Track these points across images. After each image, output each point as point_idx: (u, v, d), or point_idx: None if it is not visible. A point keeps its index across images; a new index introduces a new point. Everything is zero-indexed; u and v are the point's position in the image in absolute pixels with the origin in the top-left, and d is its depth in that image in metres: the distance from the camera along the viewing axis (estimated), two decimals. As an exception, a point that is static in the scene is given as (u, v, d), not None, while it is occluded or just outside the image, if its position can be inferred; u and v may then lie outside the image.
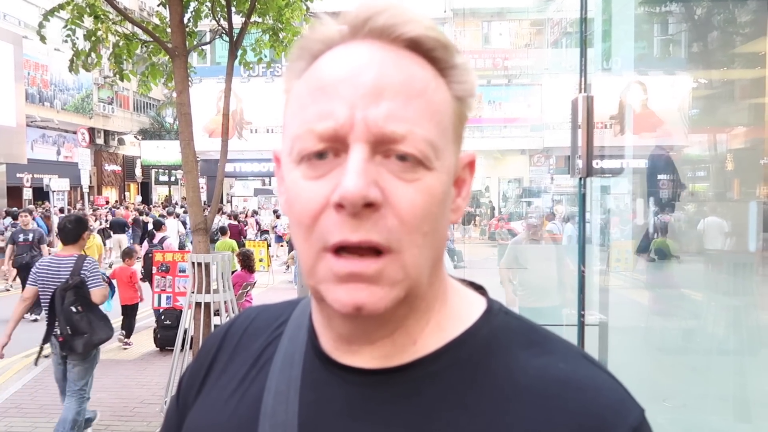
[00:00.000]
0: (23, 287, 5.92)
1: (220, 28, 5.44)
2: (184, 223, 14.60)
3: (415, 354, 0.57)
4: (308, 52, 0.57)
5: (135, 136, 30.18)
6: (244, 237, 14.31)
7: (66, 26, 5.09)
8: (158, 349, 7.17)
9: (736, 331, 2.57)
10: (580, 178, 2.01)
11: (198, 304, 4.74)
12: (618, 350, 2.76)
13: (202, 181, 20.64)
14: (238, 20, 5.34)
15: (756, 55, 5.12)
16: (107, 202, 24.49)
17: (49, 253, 8.64)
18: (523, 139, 22.60)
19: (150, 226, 13.18)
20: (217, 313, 4.87)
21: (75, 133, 23.35)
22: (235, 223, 14.67)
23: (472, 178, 0.61)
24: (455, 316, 0.60)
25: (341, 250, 0.51)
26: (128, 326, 7.39)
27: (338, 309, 0.52)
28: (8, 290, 11.09)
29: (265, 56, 6.23)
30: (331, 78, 0.53)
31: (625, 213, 5.51)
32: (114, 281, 6.67)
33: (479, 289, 0.65)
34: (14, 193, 20.64)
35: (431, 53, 0.55)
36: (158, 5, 5.52)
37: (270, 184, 26.58)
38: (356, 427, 0.55)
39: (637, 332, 3.27)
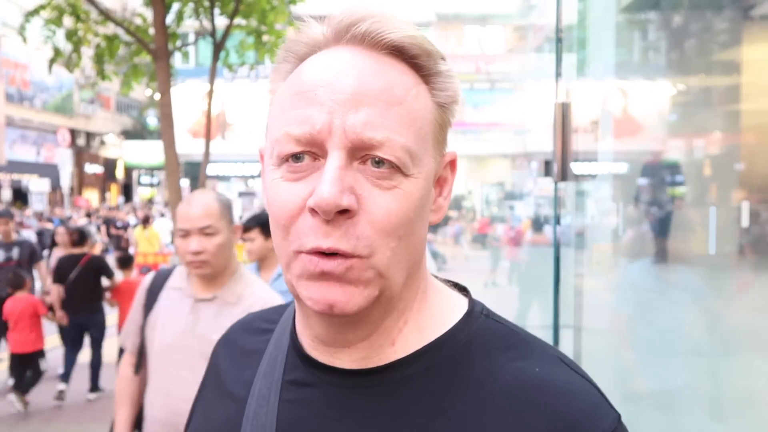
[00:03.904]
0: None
1: (203, 29, 5.43)
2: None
3: (393, 355, 0.57)
4: (294, 54, 0.57)
5: (117, 137, 29.88)
6: None
7: (45, 26, 5.05)
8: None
9: (711, 333, 2.62)
10: (555, 182, 2.05)
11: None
12: (595, 351, 2.80)
13: (186, 183, 20.49)
14: (221, 22, 5.33)
15: (732, 63, 5.21)
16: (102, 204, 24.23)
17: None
18: (505, 143, 22.74)
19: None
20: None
21: (55, 133, 23.08)
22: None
23: (454, 176, 0.62)
24: (435, 317, 0.60)
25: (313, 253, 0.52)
26: None
27: (311, 306, 0.53)
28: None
29: (249, 58, 6.22)
30: (311, 83, 0.53)
31: (606, 216, 5.58)
32: None
33: (463, 290, 0.65)
34: (-8, 194, 20.35)
35: (414, 60, 0.55)
36: (141, 5, 5.49)
37: (253, 186, 26.45)
38: (334, 428, 0.56)
39: (615, 334, 3.32)
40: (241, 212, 20.37)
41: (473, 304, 0.62)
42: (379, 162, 0.52)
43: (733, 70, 4.92)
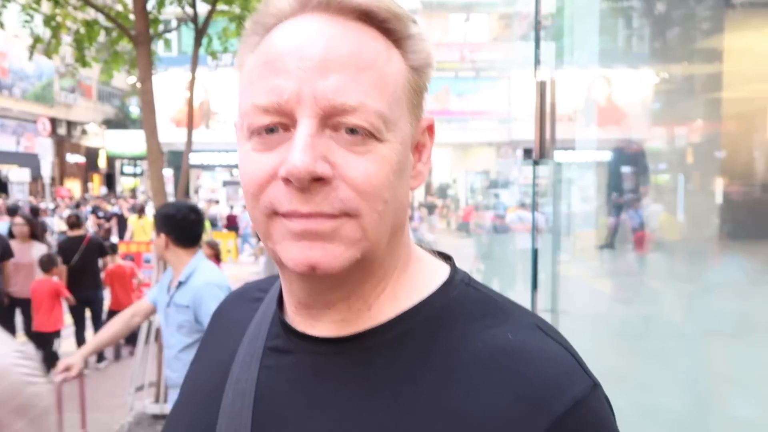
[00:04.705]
0: None
1: (185, 15, 5.37)
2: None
3: (369, 322, 0.57)
4: (261, 26, 0.56)
5: (99, 126, 29.50)
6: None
7: (23, 11, 4.96)
8: (123, 340, 7.09)
9: (691, 316, 2.67)
10: (534, 162, 2.06)
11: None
12: (579, 336, 2.83)
13: (169, 172, 20.32)
14: (203, 8, 5.27)
15: (714, 51, 5.25)
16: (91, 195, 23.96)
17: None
18: (490, 131, 22.77)
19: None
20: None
21: (35, 122, 22.74)
22: (234, 213, 15.77)
23: (432, 141, 0.61)
24: (413, 285, 0.59)
25: (292, 215, 0.51)
26: None
27: (293, 268, 0.52)
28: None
29: (232, 46, 6.15)
30: (278, 52, 0.52)
31: (590, 204, 5.64)
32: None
33: (448, 259, 0.64)
34: (-29, 184, 20.02)
35: (384, 24, 0.54)
36: (121, -10, 5.41)
37: (238, 176, 26.30)
38: (306, 394, 0.56)
39: (598, 319, 3.36)
40: (226, 201, 20.26)
41: (455, 272, 0.61)
42: (353, 130, 0.51)
43: (715, 59, 4.96)
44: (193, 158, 21.70)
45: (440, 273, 0.61)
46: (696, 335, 2.50)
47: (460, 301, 0.58)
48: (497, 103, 22.56)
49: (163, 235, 2.72)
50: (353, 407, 0.53)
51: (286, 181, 0.50)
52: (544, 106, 1.97)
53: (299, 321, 0.60)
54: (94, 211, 15.15)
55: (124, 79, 26.54)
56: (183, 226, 2.72)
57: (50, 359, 5.47)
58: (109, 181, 31.68)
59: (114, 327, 2.94)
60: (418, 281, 0.60)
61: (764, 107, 4.73)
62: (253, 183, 0.53)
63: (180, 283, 2.65)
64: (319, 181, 0.50)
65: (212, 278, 2.64)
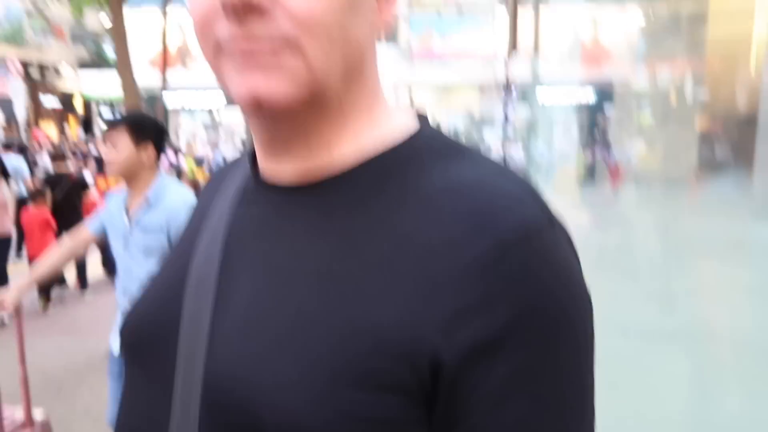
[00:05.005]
0: None
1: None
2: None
3: (330, 165, 0.58)
4: None
5: (73, 69, 28.68)
6: None
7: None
8: (108, 274, 7.12)
9: (664, 241, 2.75)
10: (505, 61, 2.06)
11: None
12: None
13: (147, 116, 19.93)
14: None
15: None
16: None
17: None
18: (474, 72, 22.52)
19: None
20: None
21: (6, 66, 22.03)
22: None
23: None
24: (378, 130, 0.59)
25: (234, 47, 0.51)
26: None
27: (239, 101, 0.52)
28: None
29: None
30: None
31: (570, 140, 5.67)
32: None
33: (423, 117, 0.63)
34: (-57, 128, 19.48)
35: None
36: None
37: (219, 118, 25.89)
38: (269, 232, 0.58)
39: (578, 247, 3.45)
40: (208, 144, 20.01)
41: (426, 124, 0.61)
42: None
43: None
44: (173, 100, 21.27)
45: (409, 122, 0.61)
46: (670, 256, 2.57)
47: (426, 146, 0.58)
48: (481, 43, 22.23)
49: (151, 147, 2.40)
50: (309, 237, 0.55)
51: (227, 12, 0.49)
52: (516, 13, 1.95)
53: (266, 170, 0.61)
54: (74, 152, 14.96)
55: (98, 21, 25.68)
56: (164, 137, 2.49)
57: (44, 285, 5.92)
58: (87, 124, 31.06)
59: (53, 258, 2.71)
60: (384, 127, 0.59)
61: (748, 43, 4.73)
62: (198, 18, 0.52)
63: (149, 204, 2.39)
64: (257, 12, 0.49)
65: (190, 198, 2.43)
